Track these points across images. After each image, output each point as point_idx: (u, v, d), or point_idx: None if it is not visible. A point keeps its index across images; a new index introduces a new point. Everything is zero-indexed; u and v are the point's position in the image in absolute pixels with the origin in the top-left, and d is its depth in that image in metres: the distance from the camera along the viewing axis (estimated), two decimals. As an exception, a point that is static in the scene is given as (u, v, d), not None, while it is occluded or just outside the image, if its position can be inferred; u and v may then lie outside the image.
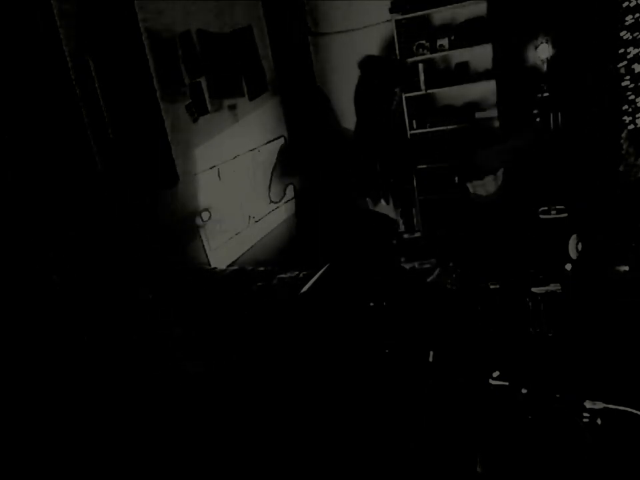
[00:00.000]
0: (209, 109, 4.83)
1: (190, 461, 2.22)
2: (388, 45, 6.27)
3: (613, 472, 1.42)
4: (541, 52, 5.09)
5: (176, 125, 4.40)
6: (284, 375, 2.36)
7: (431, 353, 2.21)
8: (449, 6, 5.76)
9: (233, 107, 5.30)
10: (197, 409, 2.32)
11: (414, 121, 6.37)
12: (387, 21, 6.12)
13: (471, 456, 1.60)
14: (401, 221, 6.86)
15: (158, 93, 4.16)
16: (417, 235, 6.68)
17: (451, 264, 3.49)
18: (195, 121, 4.68)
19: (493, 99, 5.84)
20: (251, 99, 5.62)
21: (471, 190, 5.33)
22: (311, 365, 2.41)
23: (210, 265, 4.77)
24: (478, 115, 6.20)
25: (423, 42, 6.05)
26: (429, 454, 1.72)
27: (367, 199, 6.96)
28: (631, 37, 3.28)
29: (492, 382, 1.98)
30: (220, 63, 5.06)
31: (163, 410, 2.37)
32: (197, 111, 4.71)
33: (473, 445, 1.65)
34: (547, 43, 5.07)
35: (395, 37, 6.02)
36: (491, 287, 2.50)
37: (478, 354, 2.14)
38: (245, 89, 5.51)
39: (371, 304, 2.51)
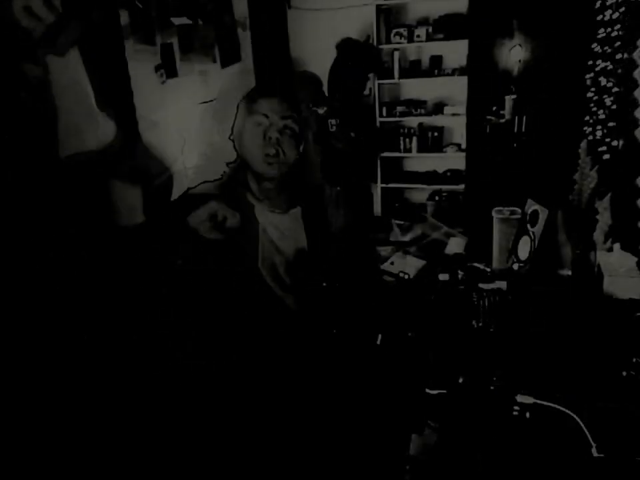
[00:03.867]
0: (179, 72, 4.71)
1: (191, 459, 2.21)
2: (366, 29, 6.25)
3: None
4: (514, 54, 5.18)
5: (143, 85, 4.26)
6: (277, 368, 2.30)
7: (379, 336, 2.23)
8: (430, -2, 5.81)
9: (203, 73, 5.18)
10: (198, 407, 2.29)
11: (384, 108, 6.40)
12: (368, 4, 6.10)
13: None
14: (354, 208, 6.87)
15: (127, 52, 4.02)
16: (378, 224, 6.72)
17: (408, 251, 3.55)
18: (163, 82, 4.55)
19: (463, 95, 5.94)
20: (223, 66, 5.50)
21: None
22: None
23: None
24: (447, 109, 6.29)
25: (401, 30, 6.08)
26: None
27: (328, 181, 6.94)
28: (600, 50, 3.35)
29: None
30: (194, 27, 4.93)
31: (164, 410, 2.34)
32: (166, 72, 4.58)
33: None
34: (520, 46, 5.16)
35: (374, 21, 6.02)
36: (440, 278, 2.56)
37: (423, 342, 2.18)
38: (218, 56, 5.39)
39: (324, 284, 2.50)
